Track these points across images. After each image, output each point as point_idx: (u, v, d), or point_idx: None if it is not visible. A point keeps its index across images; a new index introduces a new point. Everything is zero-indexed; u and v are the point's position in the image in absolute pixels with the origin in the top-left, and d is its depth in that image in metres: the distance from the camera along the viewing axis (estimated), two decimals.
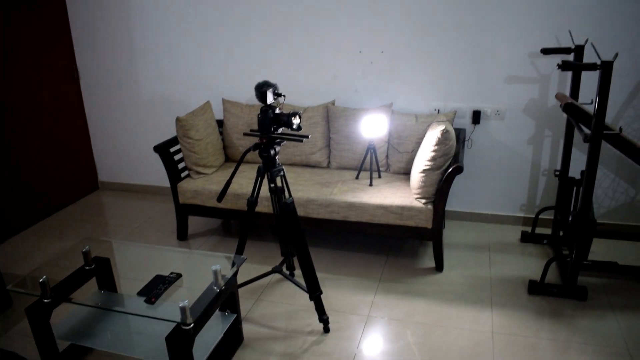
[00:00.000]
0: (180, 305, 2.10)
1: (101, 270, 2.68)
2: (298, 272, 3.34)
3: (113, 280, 2.73)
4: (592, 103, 3.22)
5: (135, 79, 4.47)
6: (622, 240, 3.65)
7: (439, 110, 3.82)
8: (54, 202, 4.48)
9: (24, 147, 4.13)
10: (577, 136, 3.53)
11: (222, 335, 2.46)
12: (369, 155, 3.67)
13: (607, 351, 2.60)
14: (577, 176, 3.59)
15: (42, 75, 4.24)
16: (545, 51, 3.21)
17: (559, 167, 3.73)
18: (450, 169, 3.11)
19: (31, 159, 4.20)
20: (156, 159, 4.63)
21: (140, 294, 2.44)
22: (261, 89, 2.50)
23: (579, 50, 3.14)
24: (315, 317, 2.92)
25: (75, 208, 4.59)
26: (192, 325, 2.13)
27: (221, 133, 4.11)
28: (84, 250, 2.62)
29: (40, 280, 2.34)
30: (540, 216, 3.80)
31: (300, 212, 3.43)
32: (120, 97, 4.58)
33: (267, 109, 2.52)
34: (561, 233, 3.54)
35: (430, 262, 3.48)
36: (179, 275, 2.57)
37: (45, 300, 2.36)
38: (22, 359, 2.30)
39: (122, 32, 4.33)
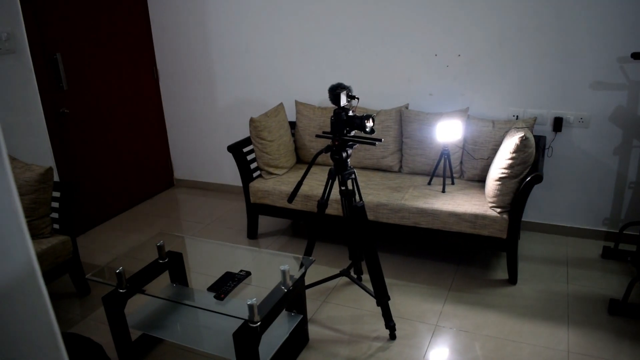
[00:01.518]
0: (248, 302, 2.12)
1: (174, 264, 2.75)
2: (366, 277, 3.31)
3: (185, 274, 2.80)
4: None
5: (211, 80, 4.58)
6: None
7: (517, 116, 3.68)
8: (132, 197, 4.67)
9: (106, 143, 4.32)
10: None
11: (288, 335, 2.47)
12: (442, 161, 3.59)
13: None
14: None
15: (124, 73, 4.43)
16: (636, 56, 3.03)
17: None
18: (529, 178, 2.98)
19: (111, 155, 4.40)
20: (229, 158, 4.72)
21: (210, 289, 2.48)
22: (335, 91, 2.49)
23: None
24: (382, 322, 2.88)
25: (151, 203, 4.76)
26: (259, 323, 2.14)
27: (293, 134, 4.15)
28: (158, 244, 2.70)
29: (117, 271, 2.43)
30: (624, 231, 3.58)
31: (370, 216, 3.39)
32: (197, 98, 4.72)
33: (340, 111, 2.51)
34: None
35: (503, 274, 3.35)
36: (248, 273, 2.60)
37: (121, 291, 2.45)
38: (97, 345, 2.39)
39: (199, 35, 4.46)
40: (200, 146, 4.92)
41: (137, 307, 2.72)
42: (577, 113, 3.53)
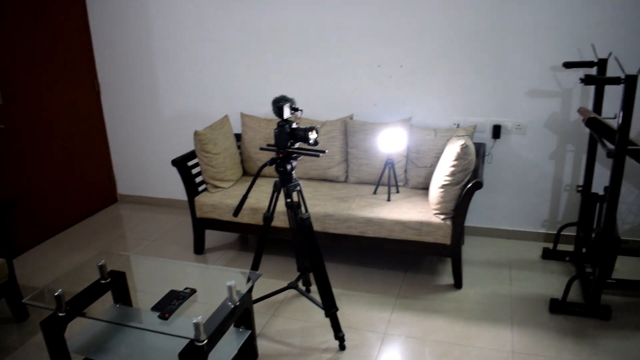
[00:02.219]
0: (193, 321, 2.08)
1: (117, 284, 2.67)
2: (314, 288, 3.30)
3: (128, 294, 2.72)
4: (615, 117, 3.16)
5: (154, 92, 4.50)
6: None
7: (458, 124, 3.78)
8: (72, 215, 4.51)
9: (44, 159, 4.17)
10: (600, 151, 3.45)
11: (236, 351, 2.43)
12: (387, 170, 3.64)
13: None
14: (600, 192, 3.51)
15: (63, 87, 4.30)
16: (568, 65, 3.17)
17: (581, 183, 3.66)
18: (470, 184, 3.06)
19: (50, 171, 4.25)
20: (174, 172, 4.64)
21: (154, 309, 2.43)
22: (278, 104, 2.49)
23: (601, 63, 3.08)
24: (331, 334, 2.88)
25: (93, 221, 4.62)
26: (205, 342, 2.10)
27: (239, 147, 4.12)
28: (99, 263, 2.62)
29: (56, 294, 2.34)
30: (562, 232, 3.71)
31: (318, 227, 3.40)
32: (140, 111, 4.62)
33: (283, 124, 2.51)
34: (584, 250, 3.45)
35: (449, 279, 3.42)
36: (193, 291, 2.55)
37: (60, 314, 2.36)
38: None
39: (142, 46, 4.38)
40: (144, 160, 4.82)
41: (79, 330, 2.62)
42: (515, 120, 3.65)
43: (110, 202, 4.98)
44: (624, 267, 3.47)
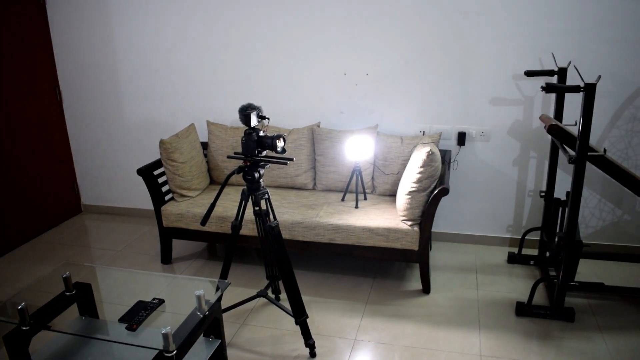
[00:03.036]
0: (162, 331, 2.05)
1: (82, 296, 2.61)
2: (283, 296, 3.30)
3: (94, 306, 2.66)
4: (575, 124, 3.25)
5: (118, 100, 4.44)
6: (609, 261, 3.66)
7: (424, 132, 3.83)
8: (35, 226, 4.40)
9: (3, 169, 4.07)
10: (562, 157, 3.54)
11: None
12: (354, 177, 3.66)
13: None
14: (563, 197, 3.60)
15: (24, 95, 4.20)
16: (529, 73, 3.25)
17: (544, 188, 3.75)
18: (436, 191, 3.11)
19: (11, 181, 4.14)
20: (140, 181, 4.58)
21: (121, 320, 2.38)
22: (245, 112, 2.49)
23: (562, 72, 3.17)
24: (301, 341, 2.88)
25: (57, 232, 4.51)
26: (174, 352, 2.07)
27: (206, 155, 4.09)
28: (64, 275, 2.56)
29: (19, 307, 2.27)
30: (526, 237, 3.79)
31: (286, 234, 3.40)
32: (104, 119, 4.55)
33: (251, 132, 2.50)
34: (548, 254, 3.53)
35: (417, 285, 3.46)
36: (161, 301, 2.52)
37: (24, 328, 2.29)
38: None
39: (105, 53, 4.32)
40: (108, 170, 4.73)
41: (44, 344, 2.56)
42: (479, 128, 3.72)
43: (75, 213, 4.88)
44: (587, 270, 3.56)
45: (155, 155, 4.47)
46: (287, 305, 3.18)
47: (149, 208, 4.68)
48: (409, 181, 3.17)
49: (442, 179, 3.29)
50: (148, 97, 4.36)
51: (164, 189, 3.78)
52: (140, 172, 3.58)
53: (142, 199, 4.71)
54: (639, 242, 3.73)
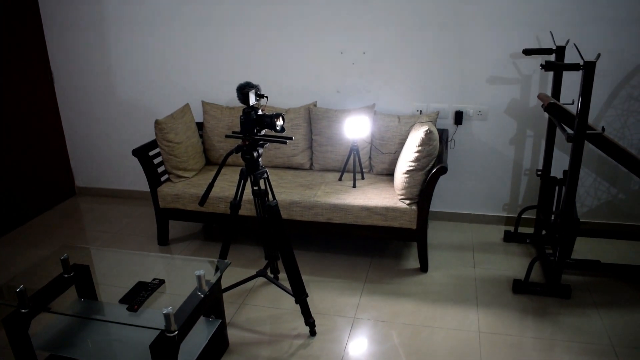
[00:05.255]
0: (164, 312, 2.05)
1: (80, 278, 2.61)
2: (283, 275, 3.30)
3: (93, 288, 2.66)
4: (573, 103, 3.25)
5: (111, 81, 4.38)
6: (605, 239, 3.68)
7: (421, 111, 3.82)
8: (29, 209, 4.37)
9: None
10: (558, 136, 3.55)
11: (207, 341, 2.42)
12: (352, 157, 3.65)
13: (591, 348, 2.61)
14: (559, 175, 3.61)
15: (15, 77, 4.14)
16: (527, 52, 3.23)
17: (540, 167, 3.75)
18: (434, 170, 3.10)
19: (4, 164, 4.09)
20: (135, 163, 4.54)
21: (122, 301, 2.38)
22: (243, 90, 2.46)
23: (560, 51, 3.16)
24: (301, 320, 2.89)
25: (51, 215, 4.48)
26: (176, 332, 2.08)
27: (201, 136, 4.06)
28: (62, 257, 2.55)
29: (17, 290, 2.26)
30: (522, 215, 3.81)
31: (284, 214, 3.39)
32: (97, 100, 4.49)
33: (249, 110, 2.48)
34: (544, 232, 3.56)
35: (415, 263, 3.47)
36: (161, 282, 2.52)
37: (23, 310, 2.29)
38: None
39: (96, 34, 4.25)
40: (102, 151, 4.69)
41: (43, 326, 2.55)
42: (476, 106, 3.71)
43: (69, 196, 4.84)
44: (583, 248, 3.59)
45: (149, 137, 4.43)
46: (286, 284, 3.19)
47: (143, 190, 4.65)
48: (406, 160, 3.16)
49: (440, 158, 3.29)
50: (142, 77, 4.30)
51: (160, 169, 3.75)
52: (135, 152, 3.55)
53: (137, 181, 4.68)
54: (634, 220, 3.76)
